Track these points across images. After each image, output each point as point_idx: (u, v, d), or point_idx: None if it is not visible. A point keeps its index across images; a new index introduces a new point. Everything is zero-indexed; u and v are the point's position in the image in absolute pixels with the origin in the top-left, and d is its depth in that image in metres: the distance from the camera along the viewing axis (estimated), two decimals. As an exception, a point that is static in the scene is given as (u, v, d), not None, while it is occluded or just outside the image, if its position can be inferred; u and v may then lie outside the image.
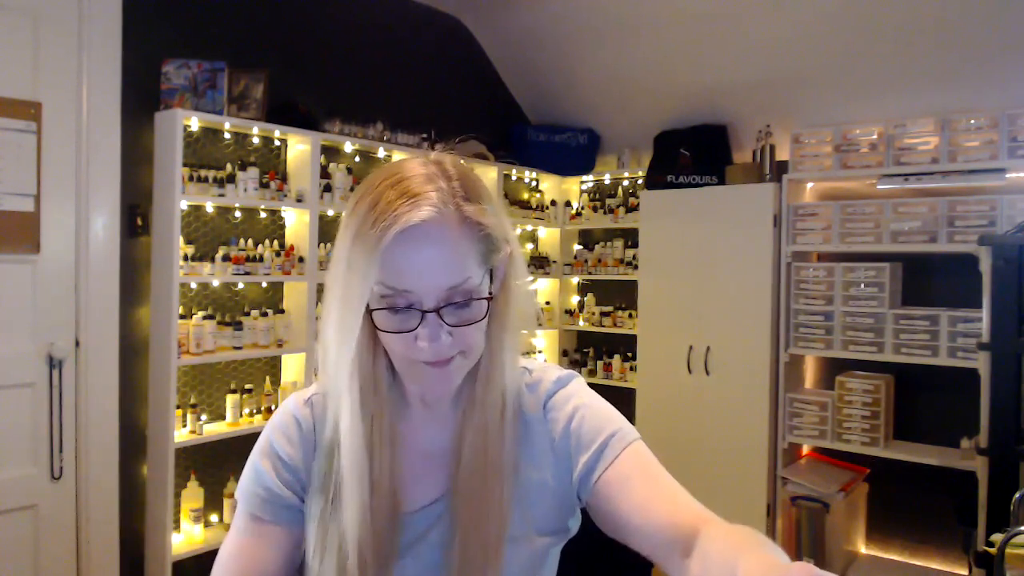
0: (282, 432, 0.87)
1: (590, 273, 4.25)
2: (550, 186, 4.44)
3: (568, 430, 0.84)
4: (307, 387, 0.93)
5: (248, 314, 2.93)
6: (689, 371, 3.51)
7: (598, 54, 3.84)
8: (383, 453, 0.81)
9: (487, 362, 0.84)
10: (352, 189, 3.24)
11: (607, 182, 4.34)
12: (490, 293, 0.79)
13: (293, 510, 0.84)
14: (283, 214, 3.13)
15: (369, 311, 0.76)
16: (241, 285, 2.99)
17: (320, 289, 3.09)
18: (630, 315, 4.01)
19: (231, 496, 2.83)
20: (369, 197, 0.75)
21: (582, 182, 4.43)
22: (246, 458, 0.88)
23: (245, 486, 0.85)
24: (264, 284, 3.06)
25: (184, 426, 2.72)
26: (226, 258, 2.80)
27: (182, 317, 2.69)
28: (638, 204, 3.87)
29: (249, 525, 0.84)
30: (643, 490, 0.76)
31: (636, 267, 3.88)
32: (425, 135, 3.51)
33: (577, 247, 4.41)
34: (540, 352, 4.33)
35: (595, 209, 4.28)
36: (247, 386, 2.96)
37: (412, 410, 0.87)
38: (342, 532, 0.79)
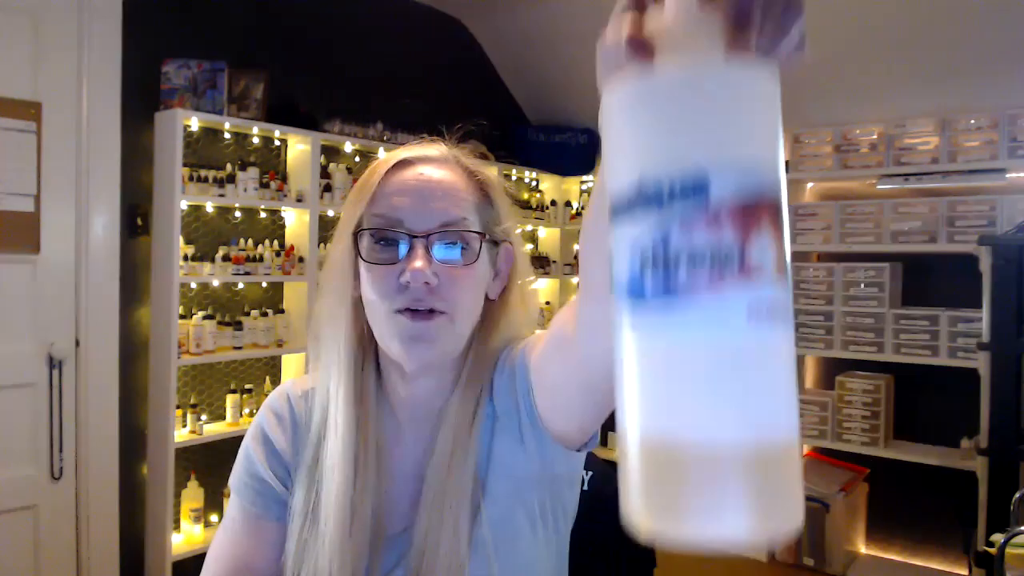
0: (277, 421, 0.87)
1: (590, 273, 4.24)
2: (550, 186, 4.44)
3: (509, 358, 0.81)
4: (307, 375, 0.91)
5: (248, 314, 2.93)
6: (689, 371, 3.50)
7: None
8: (367, 472, 0.78)
9: (469, 368, 0.81)
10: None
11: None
12: (483, 236, 0.78)
13: (283, 505, 0.84)
14: (283, 214, 3.13)
15: (356, 237, 0.76)
16: (241, 285, 2.99)
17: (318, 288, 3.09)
18: (630, 315, 4.00)
19: (230, 495, 2.82)
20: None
21: (582, 182, 4.43)
22: (246, 458, 0.88)
23: (238, 474, 0.86)
24: (264, 284, 3.06)
25: (184, 426, 2.72)
26: (226, 258, 2.80)
27: (182, 317, 2.69)
28: (638, 204, 3.87)
29: (242, 518, 0.84)
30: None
31: (636, 267, 3.87)
32: (425, 135, 3.51)
33: (577, 247, 4.40)
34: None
35: (595, 209, 4.27)
36: (247, 386, 2.96)
37: (402, 429, 0.84)
38: (319, 550, 0.77)
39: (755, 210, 0.30)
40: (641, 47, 0.32)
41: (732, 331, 0.30)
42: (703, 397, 0.30)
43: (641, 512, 0.31)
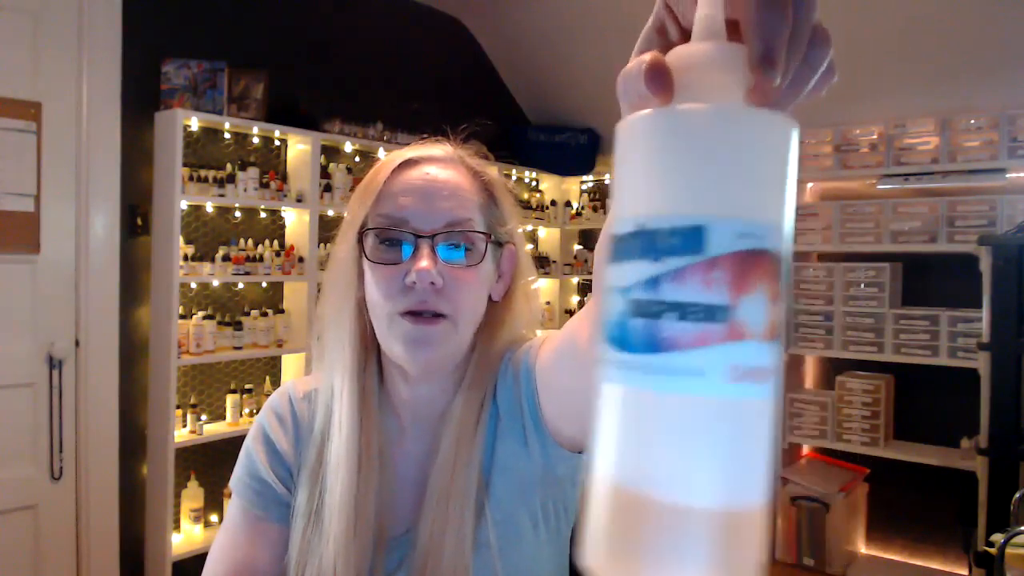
0: (278, 422, 0.86)
1: (590, 273, 4.24)
2: (550, 186, 4.44)
3: (513, 359, 0.80)
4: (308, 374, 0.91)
5: (248, 314, 2.93)
6: (689, 371, 3.51)
7: (598, 54, 3.83)
8: (370, 473, 0.78)
9: (473, 370, 0.81)
10: (352, 189, 3.25)
11: (607, 182, 4.34)
12: (488, 236, 0.77)
13: (285, 506, 0.83)
14: (283, 214, 3.13)
15: (361, 237, 0.75)
16: (241, 285, 2.99)
17: (320, 289, 3.09)
18: (630, 315, 4.00)
19: (231, 496, 2.82)
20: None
21: (582, 182, 4.43)
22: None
23: (239, 475, 0.85)
24: (264, 284, 3.06)
25: (184, 426, 2.72)
26: (226, 258, 2.80)
27: (182, 317, 2.69)
28: (638, 204, 3.87)
29: (243, 519, 0.83)
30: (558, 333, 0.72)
31: (636, 267, 3.88)
32: (425, 135, 3.51)
33: (577, 247, 4.41)
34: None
35: (595, 209, 4.28)
36: (247, 386, 2.96)
37: (404, 430, 0.84)
38: (323, 551, 0.76)
39: (751, 269, 0.29)
40: (660, 81, 0.31)
41: (711, 392, 0.29)
42: (676, 458, 0.29)
43: (601, 554, 0.31)
